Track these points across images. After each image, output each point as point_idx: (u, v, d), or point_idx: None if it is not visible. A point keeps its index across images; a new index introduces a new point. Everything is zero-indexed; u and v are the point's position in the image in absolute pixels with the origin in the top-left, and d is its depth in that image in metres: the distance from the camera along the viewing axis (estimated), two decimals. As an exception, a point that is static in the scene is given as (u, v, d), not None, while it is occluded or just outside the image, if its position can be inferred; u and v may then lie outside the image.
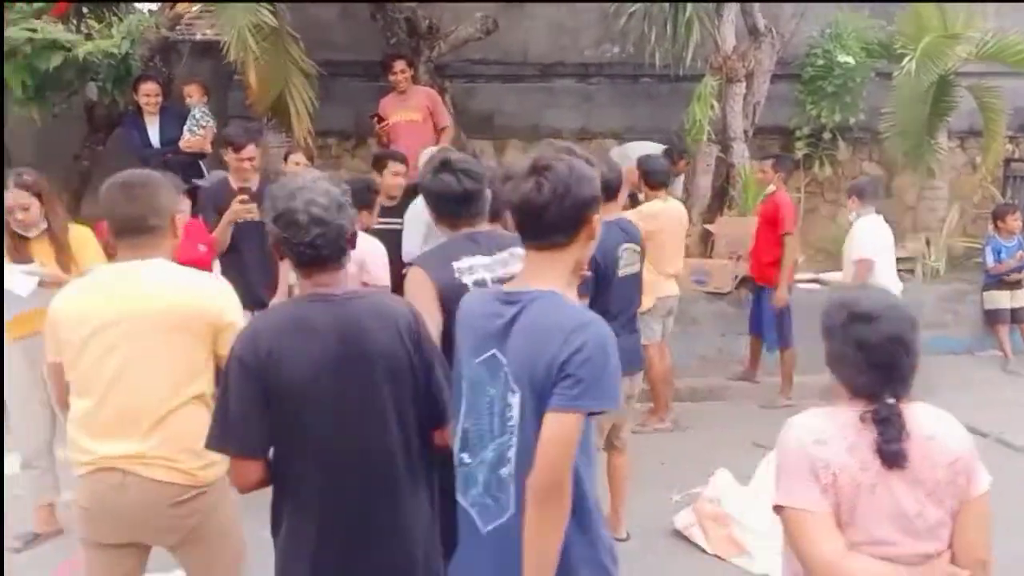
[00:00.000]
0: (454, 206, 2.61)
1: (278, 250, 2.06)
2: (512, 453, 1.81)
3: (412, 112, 6.47)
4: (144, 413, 2.28)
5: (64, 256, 3.80)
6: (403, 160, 5.19)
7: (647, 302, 5.31)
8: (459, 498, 1.96)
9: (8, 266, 3.72)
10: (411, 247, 4.63)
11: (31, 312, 3.68)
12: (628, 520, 4.07)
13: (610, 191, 3.50)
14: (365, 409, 2.02)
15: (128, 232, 2.34)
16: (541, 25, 8.18)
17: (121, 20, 6.49)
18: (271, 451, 2.04)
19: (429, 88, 6.88)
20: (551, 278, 1.85)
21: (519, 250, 2.56)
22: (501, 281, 2.51)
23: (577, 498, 1.78)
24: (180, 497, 2.30)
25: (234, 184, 4.69)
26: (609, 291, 3.63)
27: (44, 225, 3.80)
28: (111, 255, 3.55)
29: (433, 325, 2.38)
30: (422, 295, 2.47)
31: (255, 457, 2.01)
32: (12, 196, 3.72)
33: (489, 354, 1.87)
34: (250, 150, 4.67)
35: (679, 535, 4.06)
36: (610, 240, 3.61)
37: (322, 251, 1.99)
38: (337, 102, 7.28)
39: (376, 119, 6.44)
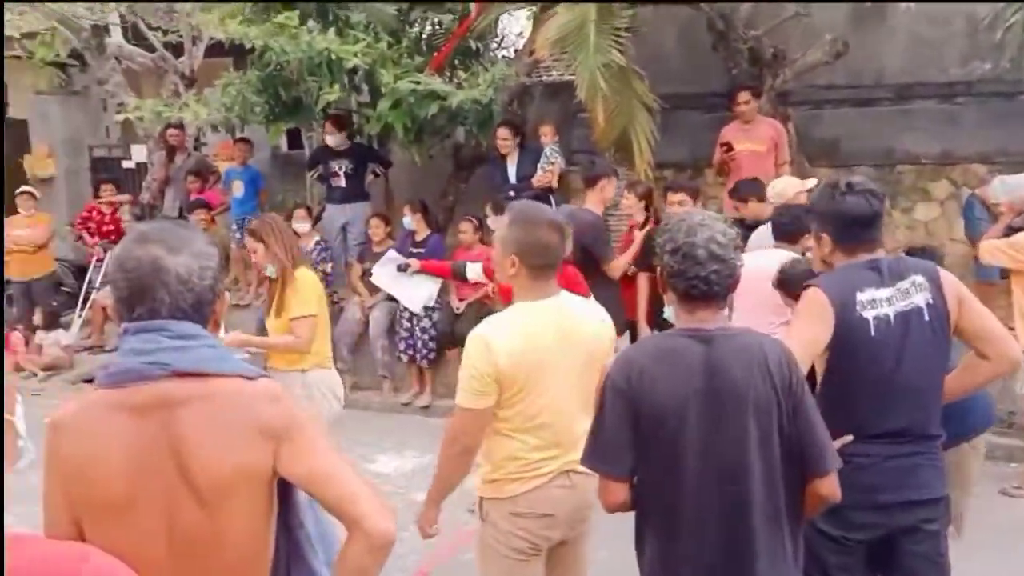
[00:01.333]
0: (859, 229, 2.52)
1: (662, 282, 2.16)
2: None
3: (756, 143, 6.38)
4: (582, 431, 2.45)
5: (281, 298, 4.03)
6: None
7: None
8: None
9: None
10: None
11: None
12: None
13: None
14: (727, 448, 2.04)
15: (549, 267, 2.51)
16: (898, 43, 7.60)
17: (486, 70, 7.19)
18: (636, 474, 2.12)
19: (774, 120, 6.73)
20: None
21: (920, 278, 2.46)
22: (904, 315, 2.42)
23: None
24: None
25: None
26: None
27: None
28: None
29: (806, 351, 2.36)
30: (813, 318, 2.45)
31: (624, 478, 2.11)
32: (247, 242, 4.22)
33: None
34: (601, 184, 5.06)
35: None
36: None
37: (714, 287, 2.06)
38: (675, 134, 7.36)
39: (726, 148, 6.44)
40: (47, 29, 8.77)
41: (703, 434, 2.03)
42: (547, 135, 7.04)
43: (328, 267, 7.32)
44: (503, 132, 6.95)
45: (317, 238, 7.51)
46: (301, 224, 7.46)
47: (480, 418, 2.46)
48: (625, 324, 5.19)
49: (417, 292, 6.74)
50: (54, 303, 8.72)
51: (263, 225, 4.14)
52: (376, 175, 8.14)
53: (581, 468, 2.31)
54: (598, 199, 5.08)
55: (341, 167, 7.64)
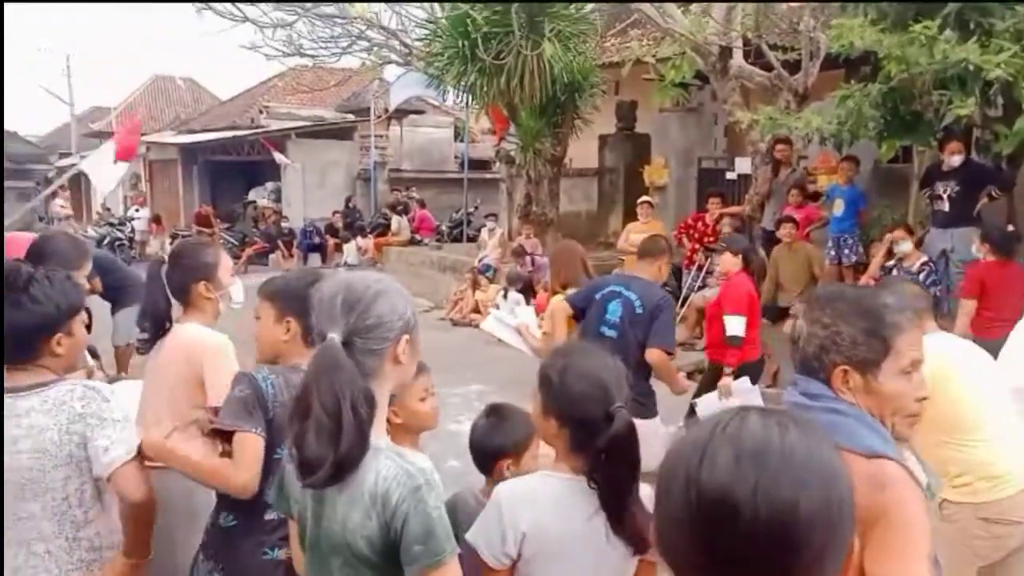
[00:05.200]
0: None
1: None
2: None
3: None
4: None
5: None
6: None
7: None
8: None
9: None
10: None
11: None
12: None
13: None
14: None
15: None
16: None
17: None
18: None
19: None
20: None
21: None
22: None
23: None
24: None
25: None
26: None
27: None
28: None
29: None
30: None
31: None
32: None
33: None
34: None
35: None
36: None
37: None
38: None
39: None
40: (679, 54, 9.79)
41: None
42: None
43: (936, 290, 6.87)
44: None
45: (924, 259, 7.15)
46: (902, 245, 7.09)
47: None
48: None
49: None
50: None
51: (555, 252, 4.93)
52: (992, 198, 7.26)
53: None
54: None
55: (946, 189, 7.10)
